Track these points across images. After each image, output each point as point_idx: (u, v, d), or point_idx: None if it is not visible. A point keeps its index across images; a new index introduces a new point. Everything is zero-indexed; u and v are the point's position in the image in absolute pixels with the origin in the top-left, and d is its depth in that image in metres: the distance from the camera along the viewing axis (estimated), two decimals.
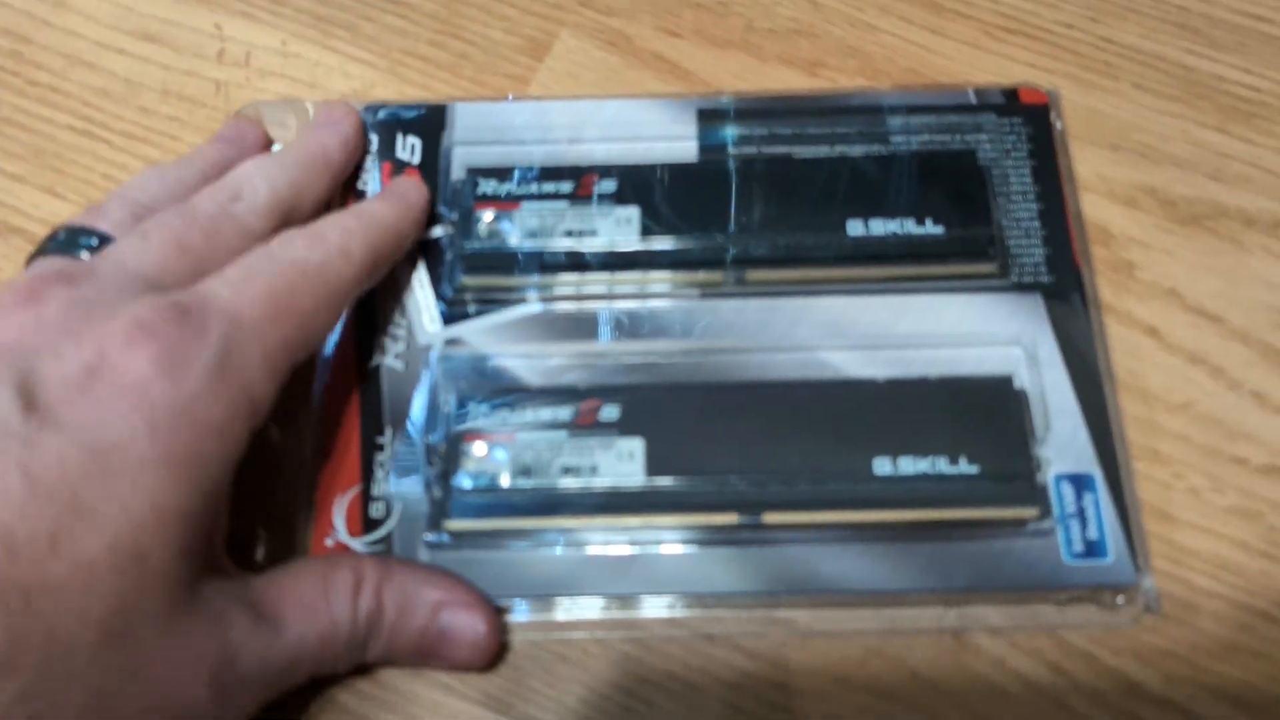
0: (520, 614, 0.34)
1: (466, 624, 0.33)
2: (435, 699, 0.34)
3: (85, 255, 0.33)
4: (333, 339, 0.37)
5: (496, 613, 0.33)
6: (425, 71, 0.44)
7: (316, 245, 0.33)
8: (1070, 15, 0.44)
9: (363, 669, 0.33)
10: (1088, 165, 0.41)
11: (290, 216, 0.36)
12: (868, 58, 0.44)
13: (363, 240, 0.35)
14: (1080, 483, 0.35)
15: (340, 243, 0.34)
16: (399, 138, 0.41)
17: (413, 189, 0.38)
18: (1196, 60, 0.43)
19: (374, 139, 0.41)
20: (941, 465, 0.34)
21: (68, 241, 0.33)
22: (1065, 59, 0.43)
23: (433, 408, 0.36)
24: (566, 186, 0.38)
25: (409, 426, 0.36)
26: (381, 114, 0.41)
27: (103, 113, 0.44)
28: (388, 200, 0.37)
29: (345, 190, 0.40)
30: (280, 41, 0.45)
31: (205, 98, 0.44)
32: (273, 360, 0.31)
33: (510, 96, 0.42)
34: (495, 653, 0.33)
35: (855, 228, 0.38)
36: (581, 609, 0.34)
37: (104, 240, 0.33)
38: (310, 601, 0.31)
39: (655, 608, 0.34)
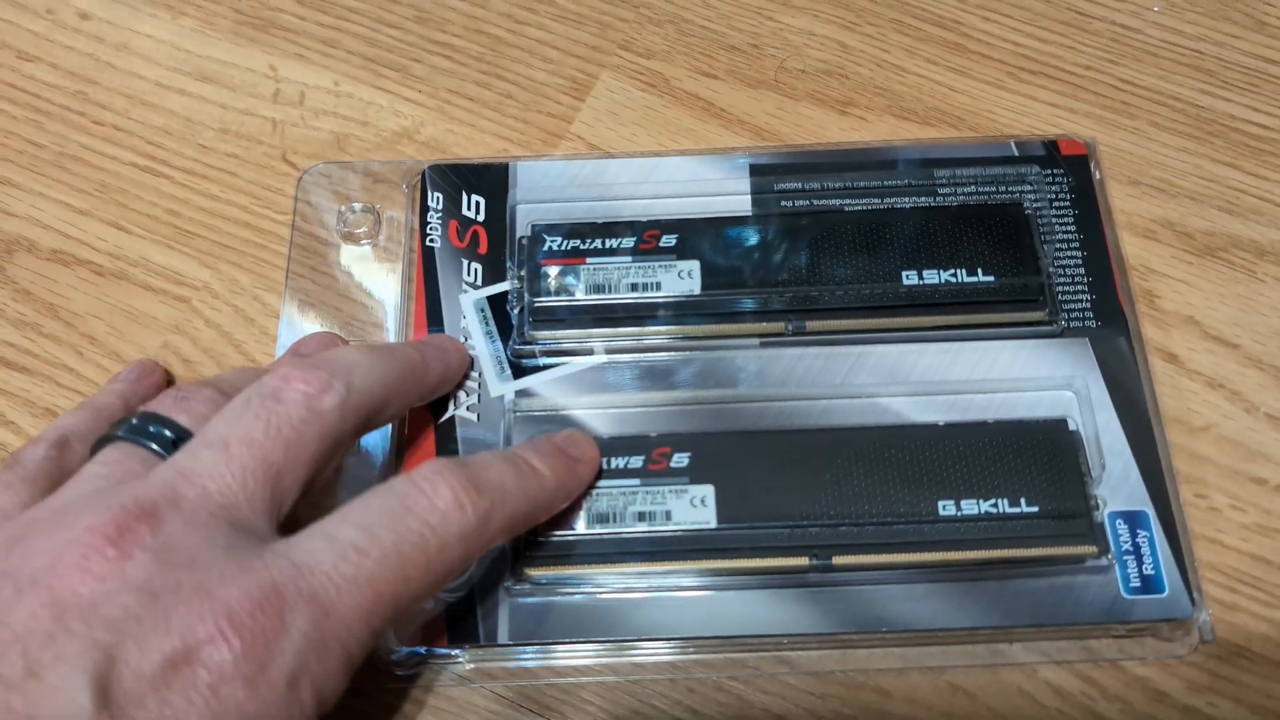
0: (595, 654, 0.35)
1: None
2: (491, 708, 0.35)
3: (155, 448, 0.32)
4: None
5: None
6: (472, 110, 0.45)
7: (460, 508, 0.31)
8: (1089, 57, 0.46)
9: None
10: (1109, 200, 0.42)
11: (373, 420, 0.34)
12: (895, 97, 0.45)
13: (511, 511, 0.32)
14: (1134, 520, 0.36)
15: (487, 509, 0.31)
16: (464, 196, 0.42)
17: (586, 453, 0.36)
18: (1210, 100, 0.45)
19: (439, 197, 0.42)
20: (1003, 506, 0.35)
21: (139, 429, 0.32)
22: (1085, 99, 0.45)
23: None
24: (629, 241, 0.40)
25: None
26: (445, 172, 0.42)
27: (164, 150, 0.45)
28: (558, 463, 0.35)
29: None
30: (333, 82, 0.46)
31: (262, 135, 0.45)
32: (352, 658, 0.29)
33: (559, 153, 0.44)
34: None
35: (909, 277, 0.39)
36: (656, 650, 0.35)
37: (179, 436, 0.32)
38: None
39: (727, 649, 0.35)
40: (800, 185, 0.42)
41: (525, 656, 0.36)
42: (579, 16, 0.48)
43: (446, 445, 0.38)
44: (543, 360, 0.39)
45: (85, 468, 0.31)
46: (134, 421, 0.32)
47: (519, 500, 0.32)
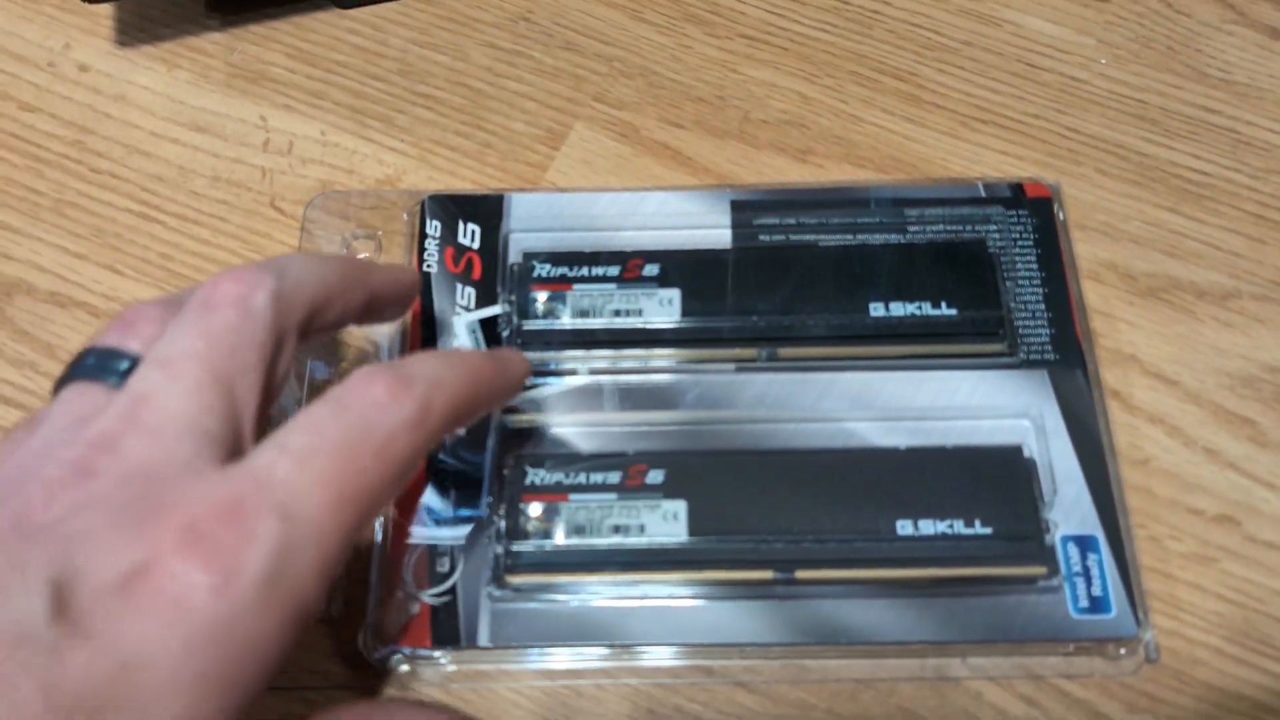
0: (570, 660, 0.38)
1: None
2: (471, 709, 0.38)
3: (112, 381, 0.31)
4: None
5: None
6: (452, 159, 0.48)
7: (397, 399, 0.31)
8: (1038, 107, 0.49)
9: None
10: (1071, 241, 0.45)
11: (318, 318, 0.35)
12: (852, 146, 0.48)
13: (450, 397, 0.33)
14: (1085, 543, 0.38)
15: (424, 396, 0.32)
16: (460, 224, 0.45)
17: (518, 363, 0.38)
18: (1153, 148, 0.48)
19: (437, 225, 0.45)
20: (958, 527, 0.38)
21: (98, 366, 0.32)
22: (1034, 146, 0.48)
23: (495, 471, 0.40)
24: (614, 270, 0.43)
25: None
26: (444, 202, 0.45)
27: (158, 196, 0.48)
28: (490, 359, 0.36)
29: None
30: (320, 132, 0.49)
31: (252, 183, 0.48)
32: (328, 558, 0.29)
33: (534, 186, 0.47)
34: None
35: (877, 309, 0.42)
36: (626, 656, 0.38)
37: (133, 364, 0.32)
38: None
39: (694, 657, 0.38)
40: (778, 220, 0.44)
41: (504, 660, 0.38)
42: (555, 70, 0.50)
43: (433, 456, 0.40)
44: (529, 380, 0.41)
45: (49, 411, 0.32)
46: (90, 361, 0.32)
47: (456, 385, 0.33)
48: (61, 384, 0.32)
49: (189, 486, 0.29)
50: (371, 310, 0.37)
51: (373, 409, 0.31)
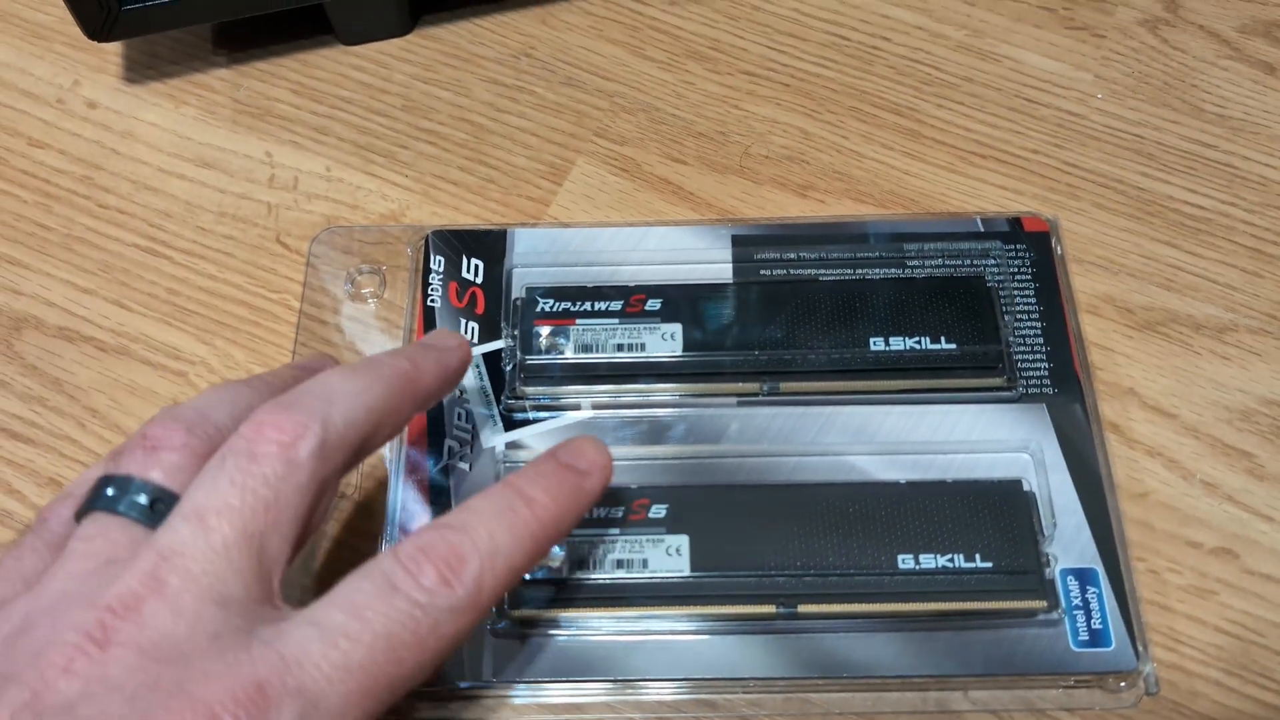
0: (572, 694, 0.38)
1: None
2: None
3: (134, 515, 0.30)
4: (409, 437, 0.42)
5: None
6: (455, 194, 0.48)
7: (449, 584, 0.29)
8: (1037, 142, 0.49)
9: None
10: (1069, 275, 0.45)
11: (366, 446, 0.33)
12: (853, 181, 0.48)
13: (506, 566, 0.31)
14: (1084, 577, 0.39)
15: (477, 577, 0.30)
16: (464, 259, 0.45)
17: (596, 460, 0.34)
18: (1150, 182, 0.48)
19: (441, 260, 0.45)
20: (959, 561, 0.38)
21: (117, 498, 0.30)
22: (1032, 181, 0.48)
23: None
24: (617, 305, 0.43)
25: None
26: (447, 237, 0.45)
27: (165, 232, 0.48)
28: (562, 485, 0.33)
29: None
30: (325, 167, 0.49)
31: (257, 218, 0.48)
32: None
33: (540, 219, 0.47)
34: None
35: (877, 344, 0.42)
36: (629, 691, 0.38)
37: (155, 497, 0.30)
38: None
39: (697, 691, 0.38)
40: (778, 255, 0.45)
41: (506, 693, 0.38)
42: (557, 105, 0.51)
43: (441, 491, 0.41)
44: (533, 414, 0.42)
45: (70, 544, 0.30)
46: (109, 493, 0.31)
47: (513, 550, 0.31)
48: (81, 515, 0.31)
49: (211, 663, 0.27)
50: (426, 408, 0.36)
51: (420, 594, 0.29)
